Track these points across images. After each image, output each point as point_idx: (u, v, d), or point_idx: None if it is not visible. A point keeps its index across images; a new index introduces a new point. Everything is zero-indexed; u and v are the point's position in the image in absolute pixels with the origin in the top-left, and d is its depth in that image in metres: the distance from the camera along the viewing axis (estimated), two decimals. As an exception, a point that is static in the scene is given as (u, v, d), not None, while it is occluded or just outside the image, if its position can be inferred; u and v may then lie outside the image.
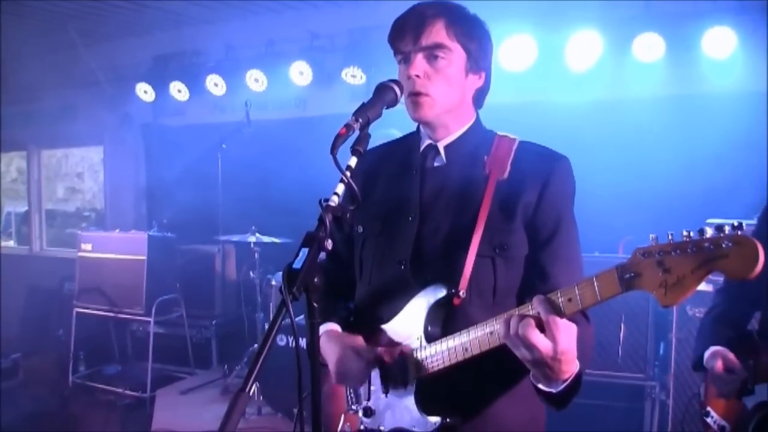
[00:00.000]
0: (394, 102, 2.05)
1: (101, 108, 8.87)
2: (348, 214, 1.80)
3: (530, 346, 1.71)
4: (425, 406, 2.05)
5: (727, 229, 1.47)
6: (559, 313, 1.72)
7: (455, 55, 2.08)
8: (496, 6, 5.85)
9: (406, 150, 2.31)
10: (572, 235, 2.11)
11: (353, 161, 1.88)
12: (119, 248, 7.15)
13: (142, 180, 9.02)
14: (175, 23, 7.99)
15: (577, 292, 1.71)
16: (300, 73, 7.03)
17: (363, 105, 1.97)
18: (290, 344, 5.53)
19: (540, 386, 1.84)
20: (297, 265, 1.69)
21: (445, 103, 2.11)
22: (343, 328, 2.30)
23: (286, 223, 6.34)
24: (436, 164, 2.20)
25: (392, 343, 2.14)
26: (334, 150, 1.80)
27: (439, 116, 2.14)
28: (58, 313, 8.22)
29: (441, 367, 2.00)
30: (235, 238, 6.58)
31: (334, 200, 1.80)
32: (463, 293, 2.02)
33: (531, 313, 1.76)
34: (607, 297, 1.67)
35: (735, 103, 5.31)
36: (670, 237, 1.58)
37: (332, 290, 2.33)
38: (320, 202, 1.80)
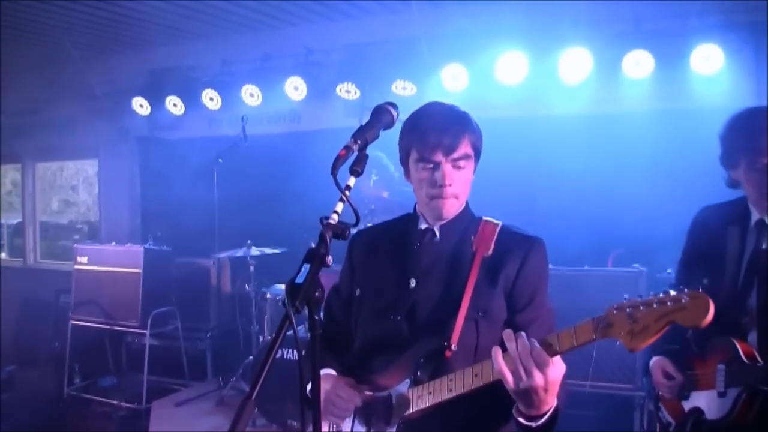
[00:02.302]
0: (391, 124, 2.24)
1: (97, 121, 8.93)
2: (347, 232, 1.93)
3: (521, 373, 1.93)
4: None
5: (686, 290, 1.81)
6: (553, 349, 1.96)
7: (472, 160, 2.41)
8: (492, 24, 6.02)
9: (403, 229, 2.58)
10: (545, 304, 2.42)
11: (352, 181, 2.03)
12: (115, 261, 7.19)
13: (137, 193, 9.07)
14: (171, 38, 8.07)
15: (556, 339, 1.97)
16: (295, 88, 7.11)
17: (361, 127, 2.14)
18: (285, 356, 5.59)
19: (521, 420, 2.04)
20: (299, 279, 1.80)
21: (464, 199, 2.48)
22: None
23: (281, 236, 6.42)
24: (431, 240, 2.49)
25: (382, 387, 2.36)
26: (334, 170, 1.96)
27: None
28: (54, 325, 8.25)
29: (423, 407, 2.23)
30: (237, 252, 6.54)
31: (334, 218, 1.92)
32: (454, 347, 2.27)
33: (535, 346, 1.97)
34: (582, 342, 1.94)
35: (722, 119, 5.35)
36: (639, 297, 1.89)
37: (328, 347, 2.59)
38: (321, 220, 1.92)
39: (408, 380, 2.29)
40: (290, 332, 1.79)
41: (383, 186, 5.94)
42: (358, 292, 2.57)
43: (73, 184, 10.48)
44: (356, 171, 2.04)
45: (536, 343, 1.94)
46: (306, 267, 1.82)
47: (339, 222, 1.92)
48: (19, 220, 10.63)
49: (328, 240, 1.88)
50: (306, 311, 1.78)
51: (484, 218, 2.49)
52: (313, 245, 1.88)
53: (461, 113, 2.41)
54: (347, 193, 1.98)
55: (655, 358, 3.19)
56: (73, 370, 7.48)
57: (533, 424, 2.01)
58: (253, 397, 1.66)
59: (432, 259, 2.45)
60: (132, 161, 9.09)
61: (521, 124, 6.20)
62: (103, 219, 9.55)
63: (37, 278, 9.68)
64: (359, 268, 2.62)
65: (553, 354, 1.93)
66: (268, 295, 6.29)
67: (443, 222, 2.45)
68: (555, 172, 5.87)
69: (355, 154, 2.07)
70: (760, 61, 5.50)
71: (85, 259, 7.39)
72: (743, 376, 2.76)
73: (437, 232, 2.46)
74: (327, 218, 1.92)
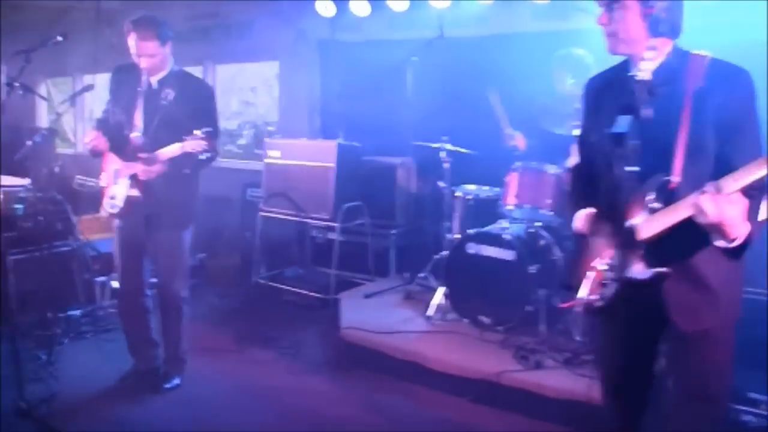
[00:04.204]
0: None
1: (277, 23, 9.01)
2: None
3: (700, 211, 2.33)
4: (648, 260, 2.68)
5: None
6: (721, 191, 2.28)
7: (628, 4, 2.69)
8: None
9: (622, 75, 2.87)
10: (752, 132, 2.66)
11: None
12: (307, 155, 7.37)
13: (317, 95, 9.21)
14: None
15: (739, 173, 2.27)
16: (483, -11, 6.94)
17: None
18: (480, 253, 5.67)
19: (716, 243, 2.43)
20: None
21: (627, 41, 2.74)
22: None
23: (475, 137, 6.34)
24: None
25: (627, 216, 2.76)
26: None
27: (627, 52, 2.80)
28: (241, 218, 8.57)
29: (660, 230, 2.59)
30: (430, 149, 6.52)
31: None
32: (676, 180, 2.61)
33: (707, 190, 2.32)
34: (756, 177, 2.23)
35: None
36: None
37: (585, 186, 3.11)
38: None
39: (646, 210, 2.66)
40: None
41: (576, 88, 5.78)
42: (595, 138, 2.97)
43: (253, 86, 10.75)
44: None
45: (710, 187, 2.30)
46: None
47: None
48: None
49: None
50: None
51: (692, 52, 2.73)
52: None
53: None
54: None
55: None
56: (261, 260, 7.82)
57: (727, 245, 2.41)
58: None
59: (648, 102, 2.71)
60: (312, 63, 9.18)
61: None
62: (282, 120, 9.76)
63: (222, 176, 10.00)
64: (591, 114, 3.06)
65: (735, 188, 2.27)
66: (458, 194, 6.34)
67: (652, 67, 2.73)
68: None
69: None
70: None
71: (277, 153, 7.62)
72: None
73: (648, 75, 2.73)
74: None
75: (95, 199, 8.28)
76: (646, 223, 2.64)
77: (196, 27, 9.98)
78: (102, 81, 6.00)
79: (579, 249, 3.09)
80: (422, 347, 5.44)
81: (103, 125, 5.02)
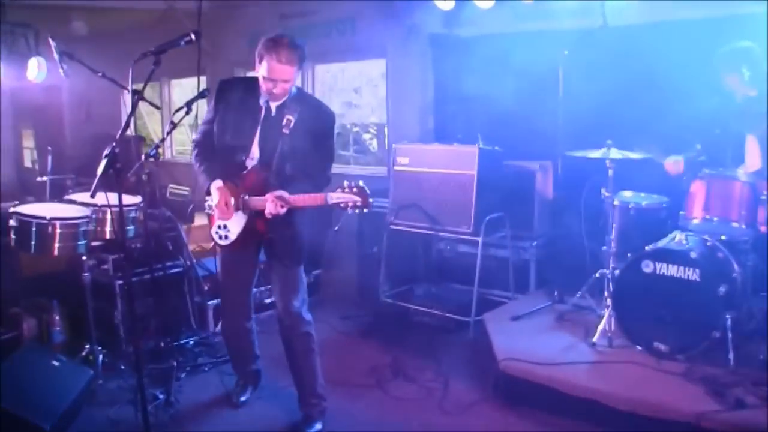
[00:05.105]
0: None
1: (385, 19, 8.45)
2: None
3: None
4: None
5: None
6: None
7: None
8: None
9: None
10: None
11: None
12: (442, 162, 6.70)
13: (430, 94, 8.61)
14: None
15: None
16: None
17: None
18: (657, 272, 5.00)
19: None
20: None
21: None
22: None
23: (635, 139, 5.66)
24: None
25: None
26: None
27: None
28: (358, 230, 7.97)
29: None
30: (588, 155, 5.66)
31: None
32: None
33: None
34: None
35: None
36: None
37: None
38: None
39: None
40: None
41: (754, 84, 5.13)
42: None
43: (356, 86, 10.21)
44: None
45: None
46: None
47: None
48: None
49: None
50: None
51: None
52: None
53: None
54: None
55: None
56: (386, 276, 7.22)
57: None
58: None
59: None
60: (423, 60, 8.58)
61: None
62: (391, 121, 9.17)
63: (335, 182, 9.51)
64: None
65: None
66: (616, 202, 5.57)
67: None
68: None
69: None
70: None
71: (405, 160, 6.98)
72: None
73: None
74: None
75: (186, 207, 7.85)
76: None
77: (290, 26, 9.46)
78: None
79: None
80: (598, 381, 4.75)
81: (204, 145, 4.58)
